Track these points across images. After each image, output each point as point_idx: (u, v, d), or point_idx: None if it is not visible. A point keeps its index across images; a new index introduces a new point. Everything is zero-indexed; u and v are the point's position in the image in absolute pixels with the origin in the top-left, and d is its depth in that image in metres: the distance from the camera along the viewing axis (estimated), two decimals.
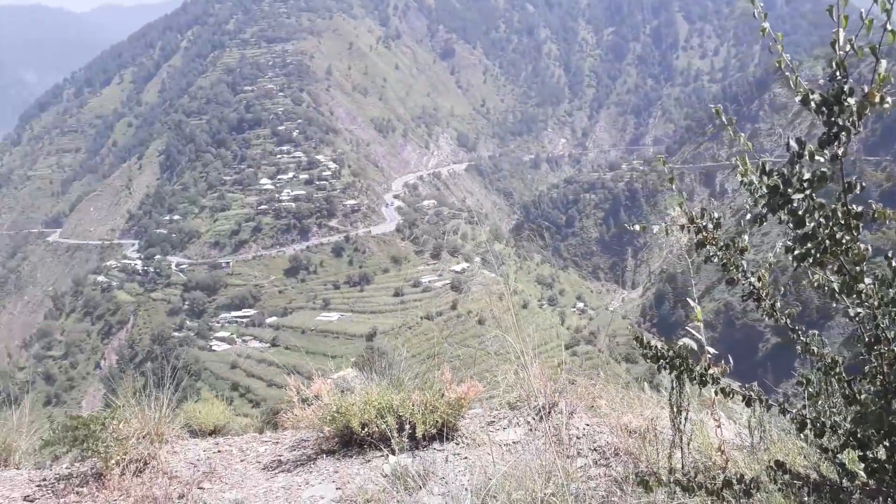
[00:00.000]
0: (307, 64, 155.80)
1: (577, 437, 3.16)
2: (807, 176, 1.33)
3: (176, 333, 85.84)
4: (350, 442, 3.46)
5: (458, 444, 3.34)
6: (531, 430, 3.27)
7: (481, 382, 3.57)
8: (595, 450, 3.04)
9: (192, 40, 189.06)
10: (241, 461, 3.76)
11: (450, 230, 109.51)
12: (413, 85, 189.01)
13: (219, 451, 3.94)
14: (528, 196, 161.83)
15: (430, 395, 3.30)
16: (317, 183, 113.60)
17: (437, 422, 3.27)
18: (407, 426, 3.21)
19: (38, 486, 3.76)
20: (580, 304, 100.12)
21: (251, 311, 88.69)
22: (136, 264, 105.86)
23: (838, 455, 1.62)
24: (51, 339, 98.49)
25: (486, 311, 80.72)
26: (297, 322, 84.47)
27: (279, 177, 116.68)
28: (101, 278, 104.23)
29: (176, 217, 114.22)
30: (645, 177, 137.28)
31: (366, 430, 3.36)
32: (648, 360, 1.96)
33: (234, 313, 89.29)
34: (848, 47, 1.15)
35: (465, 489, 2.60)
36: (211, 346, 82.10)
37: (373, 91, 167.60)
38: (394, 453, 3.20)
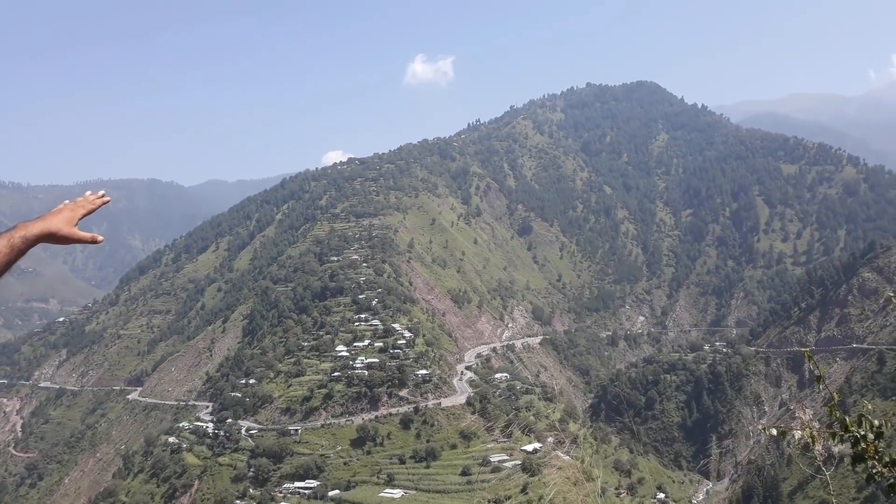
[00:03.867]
0: (391, 237, 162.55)
1: None
2: None
3: (238, 501, 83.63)
4: None
5: None
6: None
7: None
8: None
9: (286, 213, 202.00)
10: None
11: (522, 406, 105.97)
12: (490, 258, 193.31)
13: None
14: (605, 374, 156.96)
15: None
16: (391, 351, 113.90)
17: None
18: None
19: None
20: (661, 495, 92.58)
21: (314, 483, 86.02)
22: (207, 427, 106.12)
23: None
24: (115, 500, 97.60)
25: (560, 499, 75.59)
26: (360, 497, 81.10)
27: (355, 344, 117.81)
28: (172, 439, 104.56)
29: (252, 381, 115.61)
30: (729, 359, 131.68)
31: None
32: None
33: (297, 484, 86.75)
34: None
35: None
36: None
37: (451, 263, 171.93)
38: None
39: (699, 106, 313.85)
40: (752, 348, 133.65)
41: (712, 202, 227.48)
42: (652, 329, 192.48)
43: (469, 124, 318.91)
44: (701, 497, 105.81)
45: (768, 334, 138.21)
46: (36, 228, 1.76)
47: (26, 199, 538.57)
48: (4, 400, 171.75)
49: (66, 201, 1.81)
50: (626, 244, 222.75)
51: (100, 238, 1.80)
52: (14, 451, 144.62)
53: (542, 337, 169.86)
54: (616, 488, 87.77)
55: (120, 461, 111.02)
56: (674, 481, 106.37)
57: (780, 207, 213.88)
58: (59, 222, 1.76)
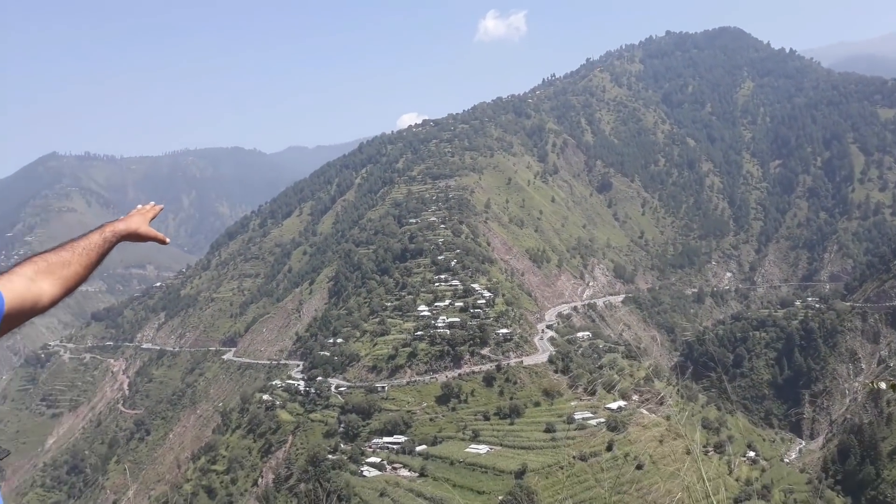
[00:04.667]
0: (467, 198, 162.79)
1: None
2: None
3: (330, 456, 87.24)
4: None
5: None
6: None
7: None
8: None
9: (365, 177, 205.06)
10: None
11: (606, 364, 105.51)
12: (569, 217, 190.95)
13: None
14: (691, 332, 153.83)
15: None
16: (471, 311, 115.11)
17: None
18: None
19: None
20: (751, 453, 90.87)
21: (402, 438, 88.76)
22: (299, 384, 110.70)
23: None
24: (216, 454, 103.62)
25: (646, 456, 75.30)
26: (446, 452, 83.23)
27: (436, 304, 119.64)
28: (266, 397, 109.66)
29: (339, 340, 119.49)
30: (822, 315, 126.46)
31: None
32: None
33: (385, 439, 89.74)
34: None
35: None
36: (362, 471, 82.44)
37: (529, 223, 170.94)
38: None
39: (787, 50, 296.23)
40: (848, 303, 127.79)
41: (802, 151, 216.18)
42: (740, 285, 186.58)
43: (544, 80, 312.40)
44: (794, 456, 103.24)
45: (865, 289, 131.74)
46: (121, 226, 2.11)
47: (120, 171, 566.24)
48: (112, 361, 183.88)
49: (139, 206, 2.30)
50: (712, 198, 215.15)
51: (167, 239, 2.31)
52: (123, 409, 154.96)
53: (624, 295, 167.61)
54: (704, 446, 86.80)
55: (218, 417, 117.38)
56: (764, 440, 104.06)
57: (878, 155, 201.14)
58: (137, 223, 2.14)
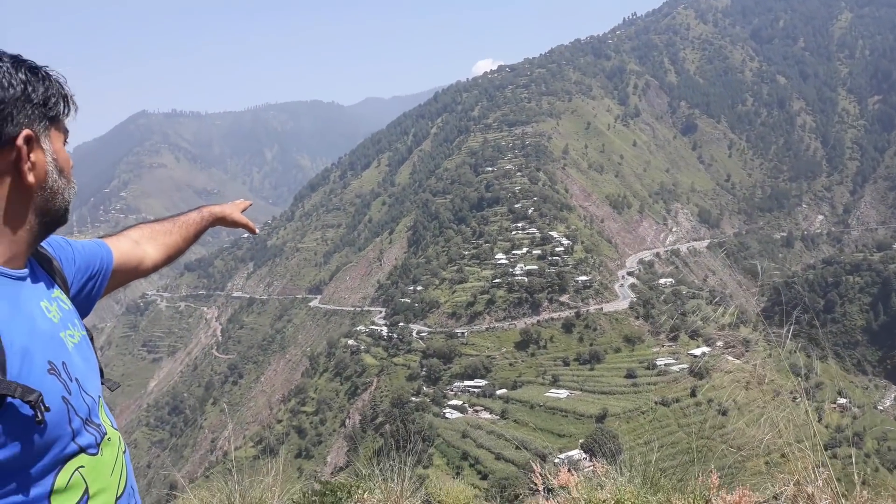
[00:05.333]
0: (545, 144, 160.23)
1: None
2: None
3: (413, 398, 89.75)
4: None
5: None
6: None
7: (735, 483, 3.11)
8: None
9: (441, 127, 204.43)
10: None
11: (689, 310, 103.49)
12: (651, 161, 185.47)
13: None
14: (780, 277, 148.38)
15: (693, 501, 2.94)
16: (549, 258, 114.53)
17: None
18: None
19: None
20: (842, 400, 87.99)
21: (482, 382, 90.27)
22: (381, 330, 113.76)
23: None
24: (305, 396, 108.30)
25: (731, 402, 74.09)
26: (526, 396, 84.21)
27: (513, 252, 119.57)
28: (351, 342, 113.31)
29: (419, 288, 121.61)
30: None
31: None
32: None
33: (466, 382, 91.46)
34: None
35: None
36: (444, 413, 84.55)
37: (609, 168, 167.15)
38: None
39: None
40: None
41: None
42: (832, 228, 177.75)
43: (624, 19, 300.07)
44: (888, 403, 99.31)
45: None
46: (217, 209, 2.25)
47: (205, 127, 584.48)
48: (205, 309, 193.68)
49: (239, 200, 2.47)
50: (803, 138, 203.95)
51: (256, 230, 2.44)
52: (217, 354, 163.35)
53: (709, 240, 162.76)
54: (791, 392, 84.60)
55: (307, 362, 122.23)
56: (857, 386, 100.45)
57: None
58: (231, 209, 2.28)
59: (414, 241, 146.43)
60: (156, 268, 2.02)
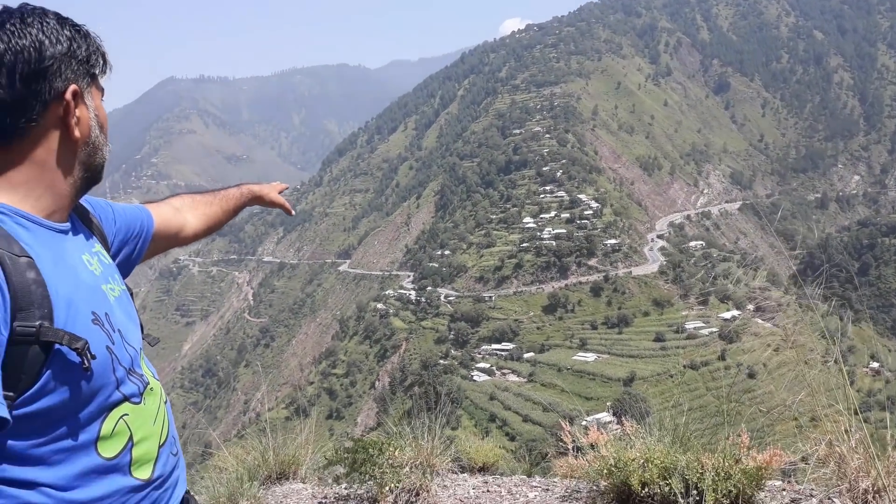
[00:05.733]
0: (574, 105, 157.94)
1: None
2: None
3: (442, 361, 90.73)
4: (627, 500, 3.21)
5: None
6: None
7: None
8: None
9: (467, 89, 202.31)
10: None
11: (719, 274, 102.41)
12: (682, 121, 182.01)
13: (487, 491, 3.92)
14: (813, 239, 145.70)
15: (724, 460, 2.93)
16: (577, 222, 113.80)
17: (729, 491, 2.89)
18: (694, 492, 2.88)
19: (319, 502, 4.02)
20: (874, 364, 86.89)
21: (510, 345, 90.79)
22: (410, 294, 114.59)
23: None
24: (335, 359, 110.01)
25: (761, 365, 73.55)
26: (554, 359, 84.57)
27: (541, 216, 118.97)
28: (380, 305, 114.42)
29: (447, 252, 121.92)
30: None
31: (646, 489, 3.08)
32: None
33: (494, 346, 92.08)
34: None
35: None
36: (472, 375, 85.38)
37: (639, 129, 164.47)
38: None
39: None
40: None
41: None
42: (869, 189, 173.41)
43: None
44: None
45: None
46: (255, 188, 2.28)
47: (233, 92, 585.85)
48: (237, 273, 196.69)
49: (276, 182, 2.52)
50: (840, 96, 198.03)
51: (293, 211, 2.50)
52: (248, 317, 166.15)
53: (741, 202, 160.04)
54: (823, 356, 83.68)
55: (336, 325, 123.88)
56: (890, 350, 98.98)
57: None
58: (268, 189, 2.32)
59: (441, 206, 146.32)
60: (196, 237, 2.03)
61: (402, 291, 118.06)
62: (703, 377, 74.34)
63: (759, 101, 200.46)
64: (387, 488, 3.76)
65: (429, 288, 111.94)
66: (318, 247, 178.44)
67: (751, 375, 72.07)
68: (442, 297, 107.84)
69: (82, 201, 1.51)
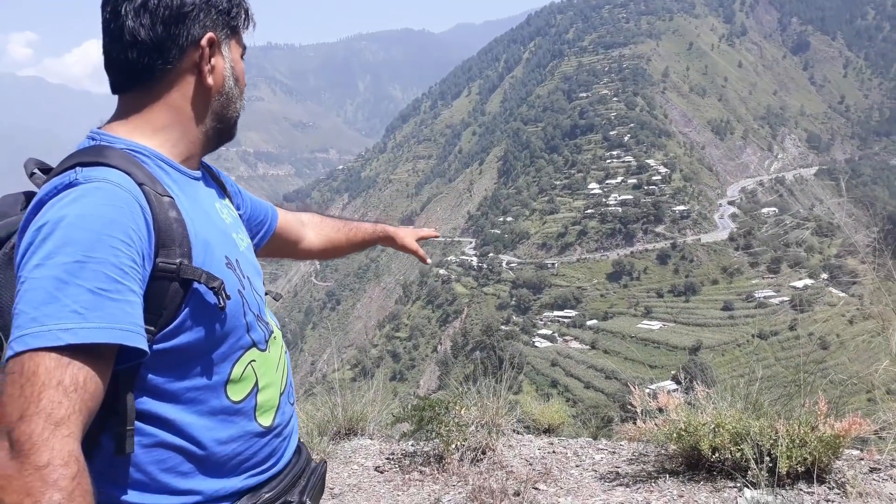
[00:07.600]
0: (643, 67, 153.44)
1: None
2: None
3: (503, 327, 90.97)
4: (696, 465, 3.17)
5: (830, 488, 2.85)
6: None
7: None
8: None
9: (533, 51, 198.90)
10: (577, 466, 3.69)
11: (793, 241, 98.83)
12: (757, 83, 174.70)
13: (553, 452, 3.93)
14: (894, 206, 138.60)
15: (799, 427, 2.86)
16: (645, 188, 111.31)
17: (804, 458, 2.82)
18: (766, 458, 2.82)
19: (387, 458, 4.12)
20: None
21: (573, 312, 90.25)
22: (472, 260, 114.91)
23: None
24: (399, 322, 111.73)
25: (834, 336, 71.04)
26: (617, 327, 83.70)
27: (607, 181, 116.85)
28: (442, 271, 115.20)
29: (509, 219, 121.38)
30: None
31: (716, 455, 3.04)
32: None
33: (556, 312, 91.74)
34: None
35: None
36: (534, 342, 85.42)
37: (711, 91, 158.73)
38: (750, 486, 2.84)
39: None
40: None
41: None
42: None
43: None
44: None
45: None
46: (391, 229, 2.16)
47: (299, 59, 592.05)
48: None
49: (425, 229, 2.31)
50: None
51: (429, 260, 2.25)
52: (315, 281, 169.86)
53: (817, 167, 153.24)
54: None
55: (400, 290, 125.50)
56: None
57: None
58: (405, 234, 2.17)
59: (504, 172, 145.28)
60: (310, 255, 1.97)
61: (464, 257, 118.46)
62: (771, 347, 72.32)
63: (841, 61, 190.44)
64: (453, 446, 3.83)
65: (490, 254, 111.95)
66: (381, 213, 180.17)
67: (823, 346, 69.80)
68: (504, 264, 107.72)
69: (217, 173, 1.54)
